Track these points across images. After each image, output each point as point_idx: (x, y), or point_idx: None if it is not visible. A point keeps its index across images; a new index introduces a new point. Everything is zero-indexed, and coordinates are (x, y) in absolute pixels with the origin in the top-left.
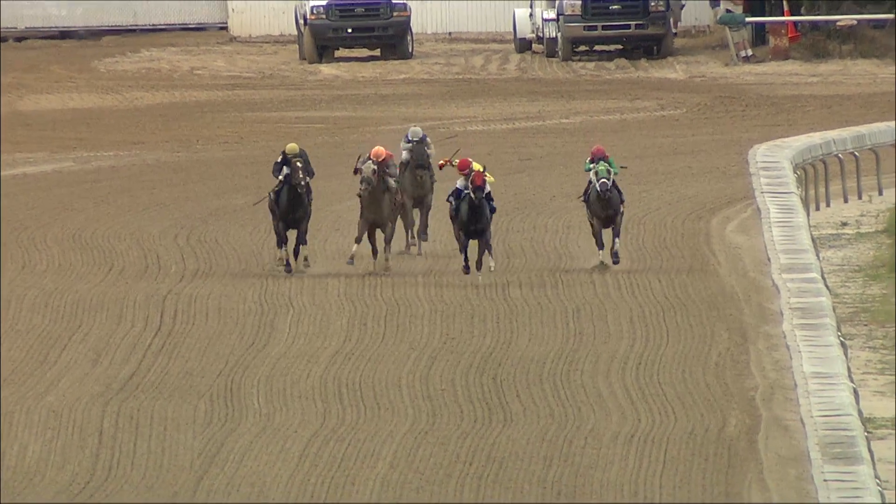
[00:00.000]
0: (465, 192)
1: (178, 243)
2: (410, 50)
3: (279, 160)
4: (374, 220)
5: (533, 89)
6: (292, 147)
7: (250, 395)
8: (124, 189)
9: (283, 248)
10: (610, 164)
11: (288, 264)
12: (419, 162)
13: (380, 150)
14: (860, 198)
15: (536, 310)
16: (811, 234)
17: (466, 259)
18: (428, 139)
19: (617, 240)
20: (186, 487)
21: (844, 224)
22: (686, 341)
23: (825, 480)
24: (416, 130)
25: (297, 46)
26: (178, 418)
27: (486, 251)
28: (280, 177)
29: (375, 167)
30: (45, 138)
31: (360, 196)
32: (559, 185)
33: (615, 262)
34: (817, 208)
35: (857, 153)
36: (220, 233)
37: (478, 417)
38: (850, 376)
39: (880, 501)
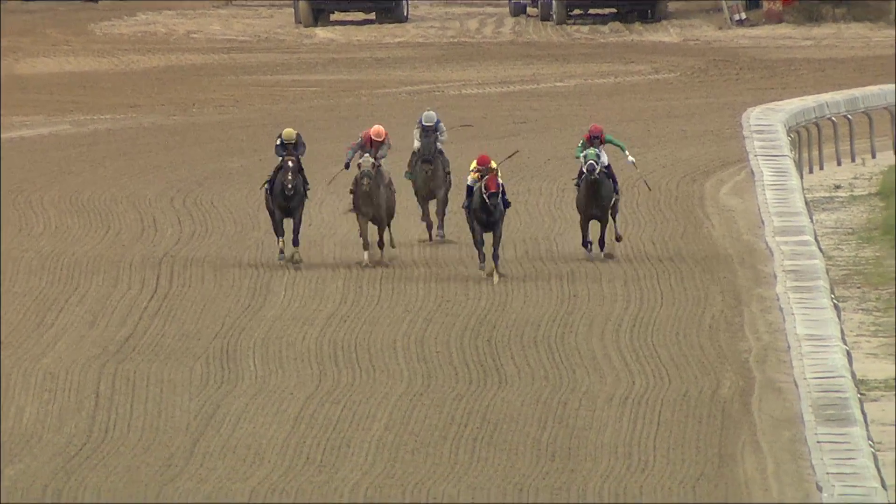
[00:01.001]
0: (477, 188)
1: (174, 206)
2: (406, 13)
3: (277, 144)
4: (372, 215)
5: (527, 53)
6: (289, 133)
7: (246, 357)
8: (121, 152)
9: (281, 238)
10: (611, 142)
11: (282, 251)
12: (426, 156)
13: (380, 128)
14: (853, 161)
15: (531, 272)
16: (804, 197)
17: (482, 253)
18: (441, 125)
19: (601, 248)
20: (183, 449)
21: (838, 187)
22: (680, 303)
23: (818, 442)
24: (429, 115)
25: (293, 10)
26: (174, 380)
27: (496, 248)
28: (274, 169)
29: (374, 160)
30: (42, 102)
31: (353, 192)
32: (553, 149)
33: (609, 256)
34: (811, 171)
35: (850, 116)
36: (215, 195)
37: (473, 379)
38: (843, 338)
39: (873, 463)
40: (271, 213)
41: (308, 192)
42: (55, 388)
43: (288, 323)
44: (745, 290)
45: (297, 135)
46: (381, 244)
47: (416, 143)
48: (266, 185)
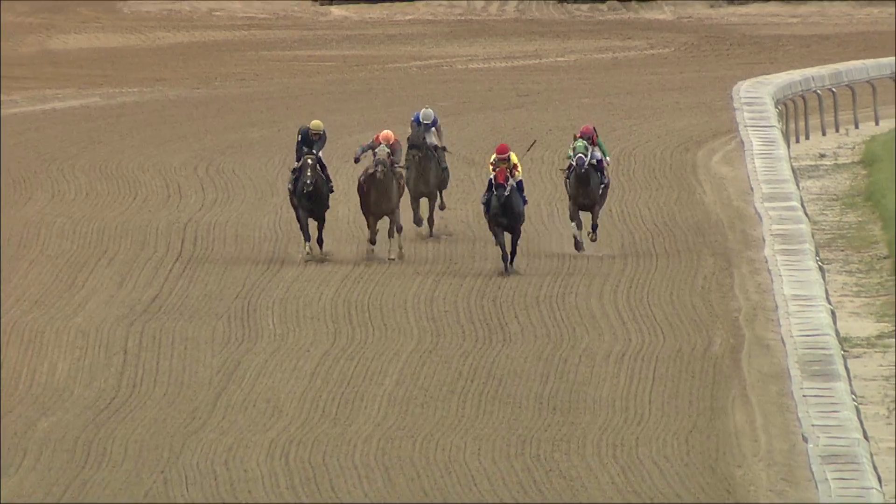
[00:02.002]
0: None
1: (197, 174)
2: None
3: (299, 139)
4: (381, 210)
5: (530, 29)
6: (317, 124)
7: (265, 316)
8: (147, 123)
9: (308, 243)
10: (599, 147)
11: (310, 251)
12: (413, 142)
13: (388, 133)
14: (837, 131)
15: (533, 236)
16: (791, 165)
17: (504, 248)
18: (438, 123)
19: (594, 233)
20: (206, 403)
21: (822, 156)
22: (674, 266)
23: (804, 396)
24: (427, 113)
25: None
26: (197, 338)
27: (515, 245)
28: (296, 165)
29: (389, 150)
30: (73, 76)
31: (362, 184)
32: (555, 120)
33: (592, 240)
34: (797, 141)
35: (834, 89)
36: (237, 164)
37: (479, 337)
38: (827, 298)
39: (856, 416)
40: (297, 214)
41: (332, 189)
42: (86, 345)
43: (305, 284)
44: (736, 253)
45: (323, 131)
46: (398, 229)
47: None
48: (289, 186)
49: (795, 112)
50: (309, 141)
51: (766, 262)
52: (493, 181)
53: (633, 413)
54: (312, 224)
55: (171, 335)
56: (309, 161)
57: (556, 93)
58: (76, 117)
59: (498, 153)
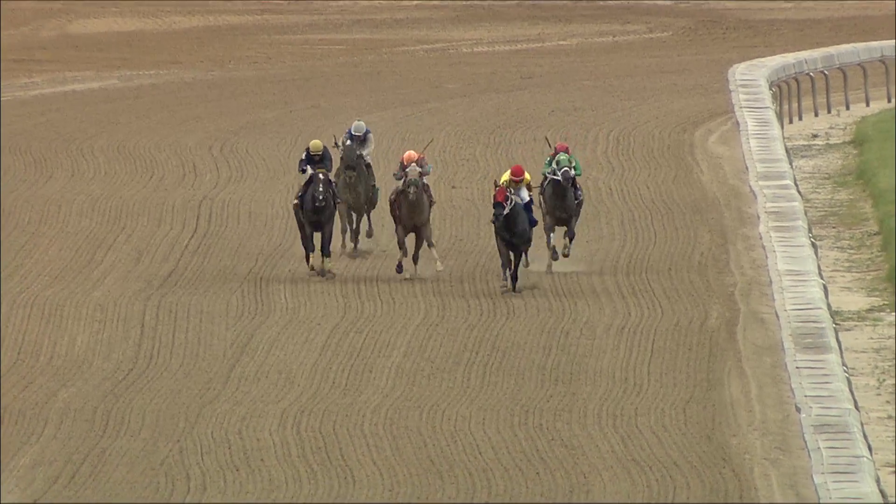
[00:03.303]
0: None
1: (212, 153)
2: None
3: (303, 157)
4: (413, 224)
5: (533, 14)
6: (316, 144)
7: (277, 290)
8: (164, 104)
9: (311, 253)
10: (576, 165)
11: (313, 267)
12: (348, 163)
13: (411, 154)
14: (829, 112)
15: (537, 214)
16: (785, 145)
17: (507, 277)
18: (370, 135)
19: (569, 243)
20: (220, 374)
21: (815, 136)
22: (672, 242)
23: (797, 368)
24: (359, 125)
25: None
26: (212, 311)
27: (516, 268)
28: (305, 179)
29: (420, 169)
30: (92, 59)
31: (393, 201)
32: (557, 101)
33: (565, 255)
34: (791, 122)
35: (826, 72)
36: (250, 144)
37: (483, 311)
38: (820, 273)
39: (847, 386)
40: (301, 228)
41: (338, 205)
42: (104, 318)
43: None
44: (731, 230)
45: (325, 147)
46: (429, 244)
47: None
48: (296, 201)
49: (789, 94)
50: (312, 160)
51: (761, 238)
52: (493, 199)
53: (633, 384)
54: (316, 236)
55: (187, 309)
56: (320, 176)
57: (558, 75)
58: (95, 99)
59: (513, 175)
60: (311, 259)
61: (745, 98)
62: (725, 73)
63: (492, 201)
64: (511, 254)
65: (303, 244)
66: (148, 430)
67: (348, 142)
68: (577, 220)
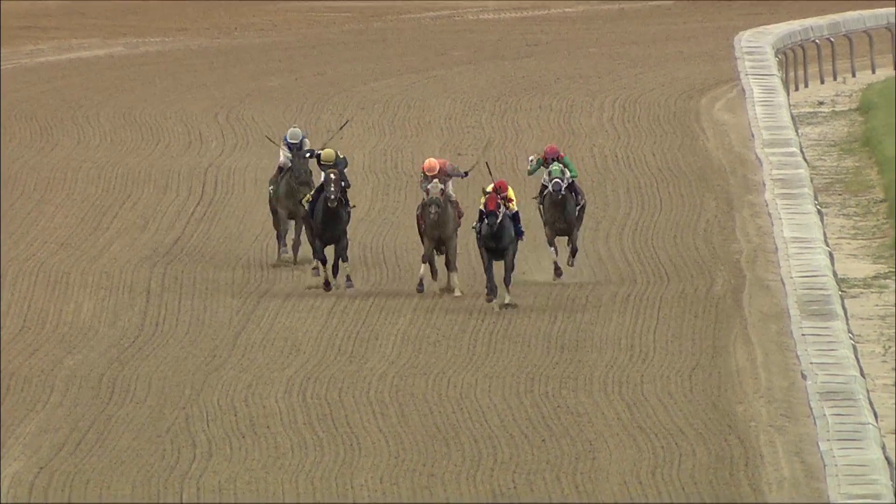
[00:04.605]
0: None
1: (218, 121)
2: None
3: (303, 154)
4: (439, 235)
5: None
6: (328, 154)
7: (283, 258)
8: (169, 72)
9: (323, 267)
10: (566, 165)
11: (327, 283)
12: (301, 179)
13: (432, 162)
14: (835, 79)
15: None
16: (791, 113)
17: (490, 281)
18: (306, 140)
19: (573, 258)
20: (226, 342)
21: (821, 103)
22: (677, 209)
23: (803, 335)
24: (294, 132)
25: None
26: (218, 279)
27: (507, 275)
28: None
29: (442, 186)
30: (99, 26)
31: (419, 217)
32: (563, 68)
33: (569, 265)
34: (796, 89)
35: (832, 39)
36: (255, 111)
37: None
38: (825, 241)
39: (853, 353)
40: (312, 243)
41: (350, 212)
42: (110, 286)
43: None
44: (737, 197)
45: (337, 154)
46: (449, 267)
47: (281, 158)
48: (307, 207)
49: (795, 61)
50: (324, 167)
51: (767, 205)
52: (483, 210)
53: (638, 352)
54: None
55: (193, 276)
56: (332, 176)
57: (564, 42)
58: (101, 66)
59: (497, 189)
60: (322, 271)
61: (751, 65)
62: (731, 40)
63: (483, 209)
64: (495, 260)
65: (313, 252)
66: (154, 398)
67: (284, 149)
68: (579, 229)
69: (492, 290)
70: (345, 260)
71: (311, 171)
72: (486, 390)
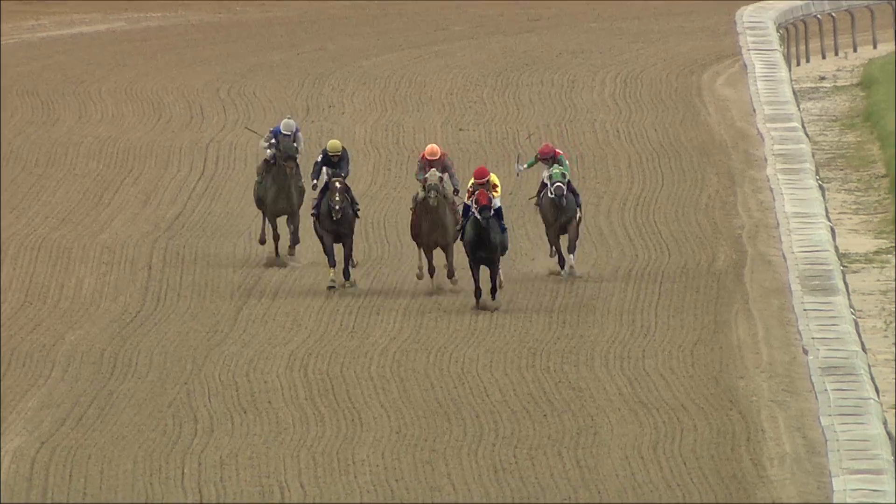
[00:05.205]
0: (472, 212)
1: (219, 96)
2: None
3: (319, 159)
4: (436, 239)
5: None
6: (334, 144)
7: (285, 233)
8: (171, 47)
9: (332, 270)
10: (561, 165)
11: (332, 284)
12: (288, 152)
13: (434, 148)
14: (837, 54)
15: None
16: (792, 88)
17: (478, 284)
18: (300, 134)
19: (572, 255)
20: (227, 317)
21: (822, 78)
22: (679, 184)
23: (805, 310)
24: (288, 123)
25: None
26: (219, 254)
27: (495, 277)
28: (317, 189)
29: (441, 174)
30: (99, 1)
31: (414, 210)
32: (564, 43)
33: (571, 274)
34: (798, 64)
35: (833, 14)
36: (257, 86)
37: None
38: (827, 216)
39: (854, 328)
40: (321, 239)
41: (359, 212)
42: (112, 260)
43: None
44: (739, 172)
45: (344, 148)
46: (450, 272)
47: (268, 151)
48: (312, 211)
49: (796, 36)
50: (330, 162)
51: (768, 180)
52: (473, 205)
53: (640, 326)
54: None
55: (194, 251)
56: (337, 185)
57: (565, 17)
58: (102, 41)
59: (476, 178)
60: (332, 274)
61: (753, 40)
62: (733, 15)
63: (474, 205)
64: (482, 266)
65: (326, 254)
66: (155, 373)
67: (273, 140)
68: (579, 221)
69: (479, 294)
70: (352, 265)
71: (297, 147)
72: (488, 365)
